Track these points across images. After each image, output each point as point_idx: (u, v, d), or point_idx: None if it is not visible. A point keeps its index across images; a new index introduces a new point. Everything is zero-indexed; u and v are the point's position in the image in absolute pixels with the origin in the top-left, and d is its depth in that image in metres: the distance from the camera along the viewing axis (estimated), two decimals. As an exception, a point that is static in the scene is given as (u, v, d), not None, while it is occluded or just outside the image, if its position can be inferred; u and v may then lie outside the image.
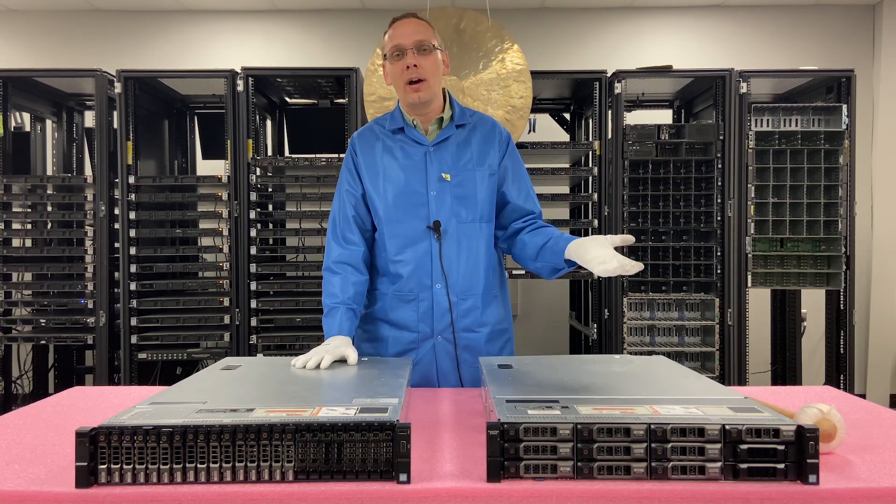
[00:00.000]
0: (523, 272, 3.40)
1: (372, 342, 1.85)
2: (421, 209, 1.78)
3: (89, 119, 3.88)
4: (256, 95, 3.47)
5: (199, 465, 0.98)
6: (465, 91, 3.24)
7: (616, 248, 1.53)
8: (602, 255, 1.50)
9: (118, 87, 3.37)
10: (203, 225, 3.80)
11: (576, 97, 3.97)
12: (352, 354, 1.56)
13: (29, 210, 3.51)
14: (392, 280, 1.81)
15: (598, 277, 3.50)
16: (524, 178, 1.90)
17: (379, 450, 0.99)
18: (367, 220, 1.85)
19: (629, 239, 1.55)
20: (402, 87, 1.77)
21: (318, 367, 1.48)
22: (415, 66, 1.74)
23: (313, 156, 3.58)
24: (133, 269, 3.38)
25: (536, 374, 1.43)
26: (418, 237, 1.78)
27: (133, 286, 3.38)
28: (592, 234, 3.53)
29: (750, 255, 3.40)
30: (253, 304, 3.38)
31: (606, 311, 3.49)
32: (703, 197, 3.43)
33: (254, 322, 3.39)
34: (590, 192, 3.60)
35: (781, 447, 0.99)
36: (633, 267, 1.44)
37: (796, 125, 3.43)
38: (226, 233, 3.40)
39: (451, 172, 1.80)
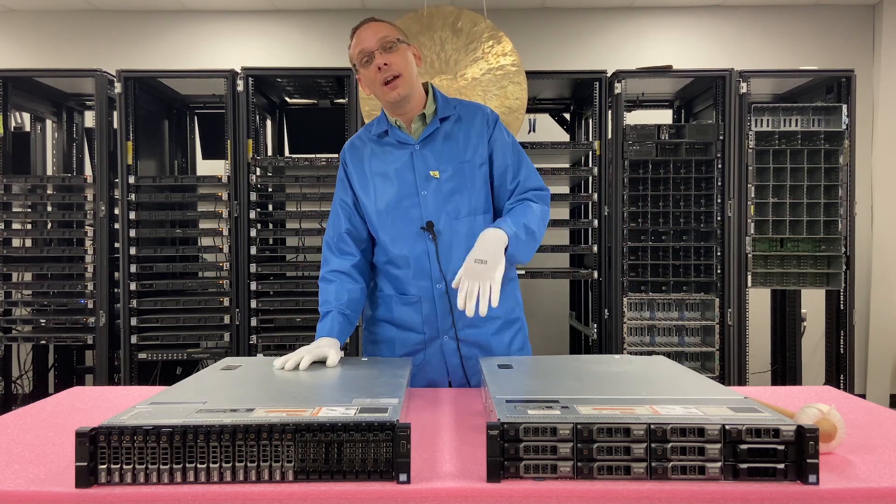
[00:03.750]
0: (523, 271, 3.40)
1: (378, 344, 1.84)
2: (413, 211, 1.76)
3: (89, 119, 3.88)
4: (256, 95, 3.47)
5: (199, 465, 0.98)
6: (460, 92, 3.25)
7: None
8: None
9: (118, 87, 3.37)
10: (203, 225, 3.80)
11: (576, 97, 3.97)
12: (332, 355, 1.54)
13: (29, 210, 3.51)
14: (394, 283, 1.80)
15: (599, 278, 3.50)
16: (513, 152, 1.81)
17: (379, 450, 0.99)
18: (362, 230, 1.84)
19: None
20: (380, 88, 1.74)
21: (297, 367, 1.47)
22: (385, 64, 1.70)
23: (313, 156, 3.58)
24: (133, 269, 3.38)
25: (536, 374, 1.43)
26: (413, 240, 1.76)
27: (133, 286, 3.38)
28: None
29: (750, 255, 3.40)
30: (253, 304, 3.38)
31: (606, 311, 3.48)
32: (703, 197, 3.43)
33: (254, 322, 3.39)
34: (590, 192, 3.60)
35: (781, 447, 0.99)
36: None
37: (796, 125, 3.42)
38: (226, 233, 3.40)
39: (440, 168, 1.76)
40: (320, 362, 1.54)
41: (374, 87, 1.76)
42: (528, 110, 3.49)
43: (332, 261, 1.82)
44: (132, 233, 3.37)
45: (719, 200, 3.39)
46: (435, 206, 1.75)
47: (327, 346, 1.59)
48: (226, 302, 3.40)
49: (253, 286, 3.38)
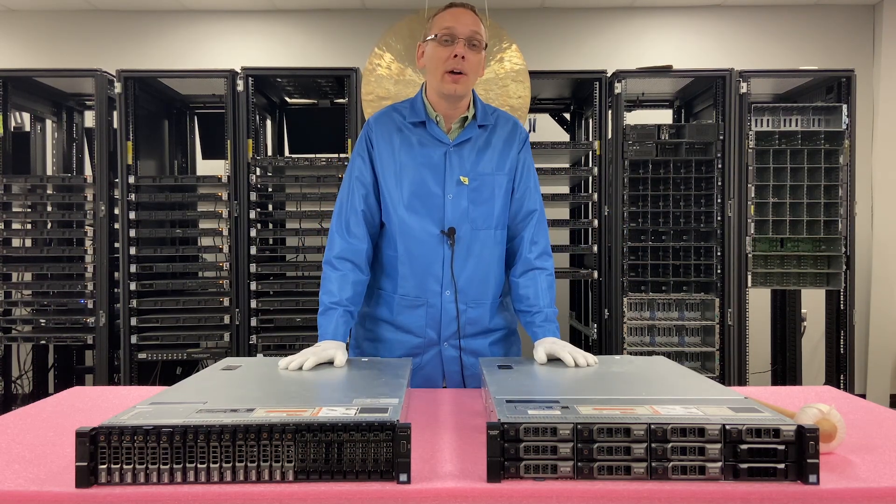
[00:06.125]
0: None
1: (374, 342, 1.82)
2: (436, 212, 1.71)
3: (89, 119, 3.88)
4: (256, 95, 3.47)
5: (199, 465, 0.98)
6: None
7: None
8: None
9: (118, 87, 3.37)
10: (203, 225, 3.81)
11: (576, 97, 3.97)
12: (339, 356, 1.52)
13: (29, 210, 3.51)
14: (399, 282, 1.75)
15: (599, 278, 3.51)
16: (531, 178, 1.82)
17: (379, 450, 0.99)
18: (375, 215, 1.77)
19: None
20: (441, 74, 1.67)
21: (300, 368, 1.46)
22: (463, 58, 1.66)
23: (313, 156, 3.58)
24: (133, 269, 3.38)
25: (536, 374, 1.43)
26: (431, 242, 1.72)
27: (133, 286, 3.38)
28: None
29: (750, 255, 3.40)
30: (253, 304, 3.38)
31: (606, 311, 3.49)
32: (703, 197, 3.43)
33: (254, 322, 3.39)
34: (590, 192, 3.60)
35: (782, 447, 0.99)
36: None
37: (796, 125, 3.42)
38: (226, 233, 3.40)
39: (469, 176, 1.73)
40: (324, 363, 1.53)
41: (435, 67, 1.69)
42: (529, 110, 3.48)
43: (338, 244, 1.74)
44: (132, 233, 3.37)
45: (719, 200, 3.39)
46: (459, 213, 1.72)
47: (333, 349, 1.56)
48: (226, 302, 3.40)
49: (253, 286, 3.38)
